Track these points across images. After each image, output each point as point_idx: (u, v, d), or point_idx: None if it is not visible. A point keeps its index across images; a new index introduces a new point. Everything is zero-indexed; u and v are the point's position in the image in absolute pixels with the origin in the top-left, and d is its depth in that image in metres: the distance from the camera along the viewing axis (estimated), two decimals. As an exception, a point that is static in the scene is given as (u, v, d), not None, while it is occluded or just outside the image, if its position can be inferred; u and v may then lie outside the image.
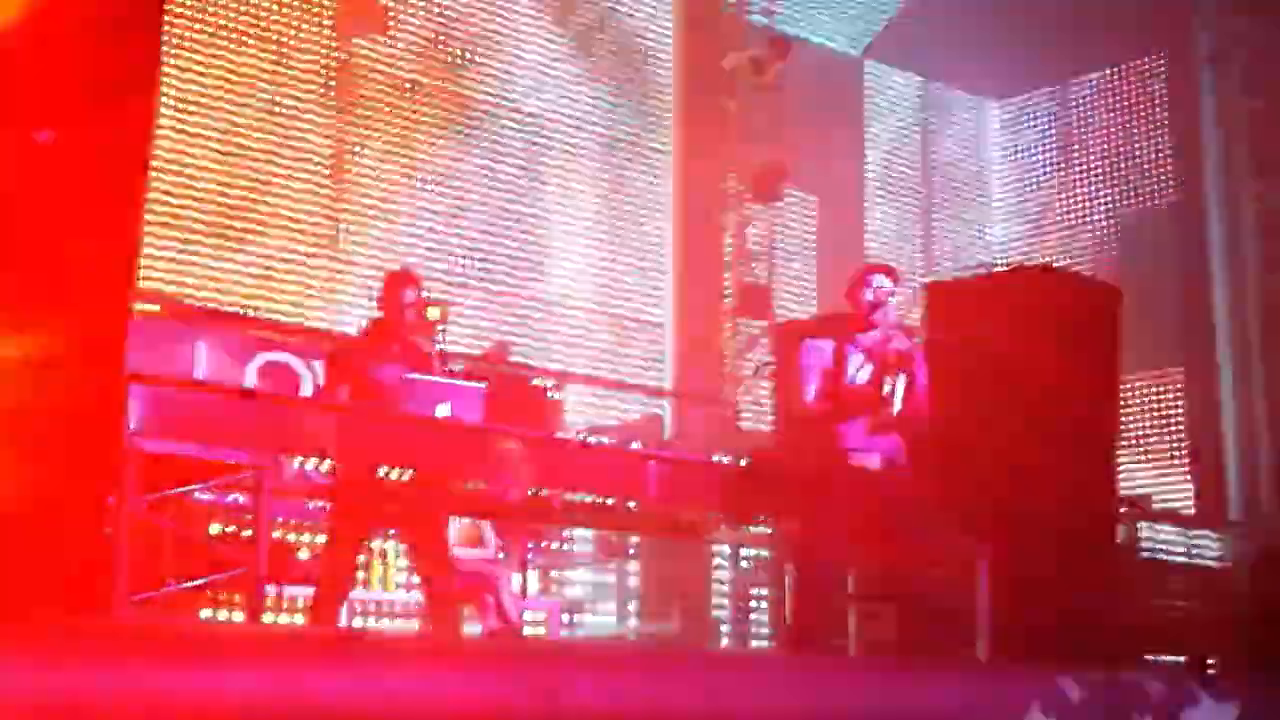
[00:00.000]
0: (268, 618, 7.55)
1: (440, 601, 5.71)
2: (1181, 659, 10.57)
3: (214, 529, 6.85)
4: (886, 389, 5.51)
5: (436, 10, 13.32)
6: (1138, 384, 15.95)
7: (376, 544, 7.49)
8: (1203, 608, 10.92)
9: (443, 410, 5.45)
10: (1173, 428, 15.98)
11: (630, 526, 7.54)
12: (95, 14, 4.46)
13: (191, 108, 11.50)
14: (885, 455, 5.57)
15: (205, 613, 7.12)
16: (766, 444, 8.90)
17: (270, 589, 7.17)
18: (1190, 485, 15.67)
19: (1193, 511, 15.17)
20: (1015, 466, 6.52)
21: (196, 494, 5.22)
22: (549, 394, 11.48)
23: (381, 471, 5.55)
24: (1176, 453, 15.91)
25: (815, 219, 15.74)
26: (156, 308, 9.71)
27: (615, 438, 10.76)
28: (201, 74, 11.66)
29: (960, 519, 6.25)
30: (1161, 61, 16.68)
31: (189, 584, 5.33)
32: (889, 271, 5.86)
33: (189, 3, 11.62)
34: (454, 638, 5.64)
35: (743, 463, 8.26)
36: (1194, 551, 13.05)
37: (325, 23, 12.53)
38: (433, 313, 5.88)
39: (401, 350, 5.75)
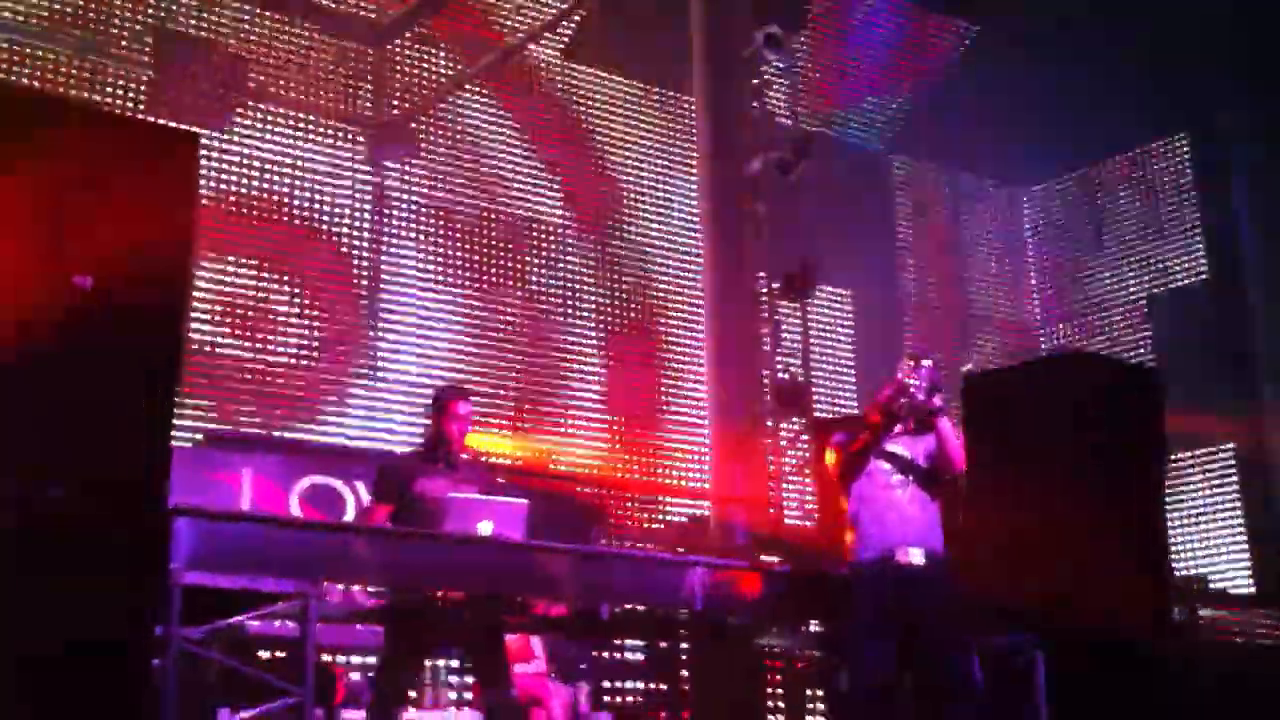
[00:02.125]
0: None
1: (504, 715, 5.68)
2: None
3: (263, 656, 6.87)
4: (908, 380, 5.51)
5: (463, 131, 13.59)
6: (1190, 463, 15.79)
7: (428, 663, 7.46)
8: (1266, 688, 10.65)
9: (485, 528, 5.46)
10: (1227, 505, 15.76)
11: (678, 635, 7.48)
12: (138, 164, 4.61)
13: (226, 237, 11.74)
14: (927, 546, 5.51)
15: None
16: (812, 543, 8.85)
17: (321, 714, 7.17)
18: (1248, 563, 15.41)
19: (1252, 589, 14.89)
20: (1065, 557, 6.44)
21: (244, 623, 5.24)
22: (590, 501, 11.48)
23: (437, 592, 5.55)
24: (1232, 530, 15.68)
25: (851, 313, 15.79)
26: (199, 438, 9.83)
27: (660, 543, 10.72)
28: (238, 205, 11.93)
29: (1012, 615, 6.18)
30: (1185, 140, 16.75)
31: (240, 715, 5.32)
32: (911, 357, 5.88)
33: (225, 138, 11.93)
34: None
35: (788, 564, 8.21)
36: (1256, 631, 12.78)
37: (359, 146, 12.82)
38: (473, 439, 5.93)
39: (447, 466, 5.79)
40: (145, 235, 4.55)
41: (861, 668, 5.38)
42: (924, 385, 5.53)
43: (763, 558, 9.82)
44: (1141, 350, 16.51)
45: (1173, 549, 14.63)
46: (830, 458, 5.83)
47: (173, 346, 4.69)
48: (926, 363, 5.60)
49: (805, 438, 11.78)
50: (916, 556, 5.47)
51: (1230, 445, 15.67)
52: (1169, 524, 11.94)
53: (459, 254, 13.18)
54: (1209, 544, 15.72)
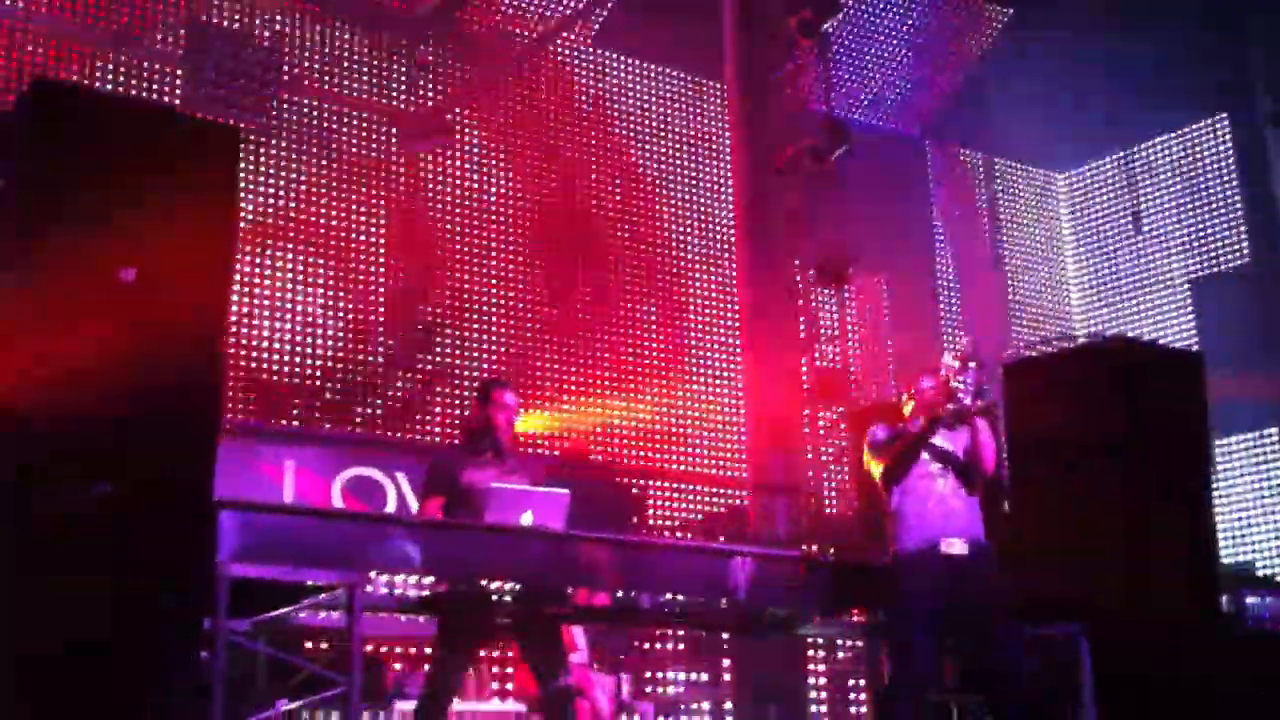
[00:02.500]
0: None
1: (559, 702, 5.68)
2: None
3: (308, 647, 6.91)
4: (955, 381, 5.43)
5: (495, 119, 13.60)
6: (1235, 447, 15.64)
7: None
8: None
9: (526, 518, 5.47)
10: (1273, 491, 15.61)
11: (719, 625, 7.46)
12: (181, 159, 4.64)
13: (266, 229, 11.80)
14: (970, 535, 5.47)
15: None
16: (852, 531, 8.82)
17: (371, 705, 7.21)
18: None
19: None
20: (1109, 545, 6.38)
21: (291, 615, 5.26)
22: (632, 490, 11.49)
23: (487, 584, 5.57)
24: (1278, 516, 15.53)
25: (887, 300, 15.72)
26: (244, 430, 9.90)
27: (700, 532, 10.72)
28: (275, 196, 11.98)
29: (1056, 603, 6.13)
30: (1225, 122, 16.57)
31: (287, 706, 5.35)
32: (958, 357, 5.80)
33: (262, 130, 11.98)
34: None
35: (830, 552, 8.20)
36: (1303, 617, 12.63)
37: (393, 140, 12.86)
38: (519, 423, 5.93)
39: (494, 456, 5.80)
40: (188, 230, 4.58)
41: (908, 657, 5.35)
42: (971, 389, 5.44)
43: (803, 547, 9.82)
44: (1184, 334, 16.37)
45: (1218, 535, 14.52)
46: (873, 465, 5.73)
47: (216, 340, 4.71)
48: (973, 364, 5.49)
49: (844, 426, 11.75)
50: (960, 547, 5.43)
51: (1274, 431, 15.51)
52: (1214, 510, 11.85)
53: (493, 244, 13.20)
54: (1255, 530, 15.57)
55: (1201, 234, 16.72)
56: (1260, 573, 14.55)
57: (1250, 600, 12.09)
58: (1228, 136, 16.59)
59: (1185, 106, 16.24)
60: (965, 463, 5.57)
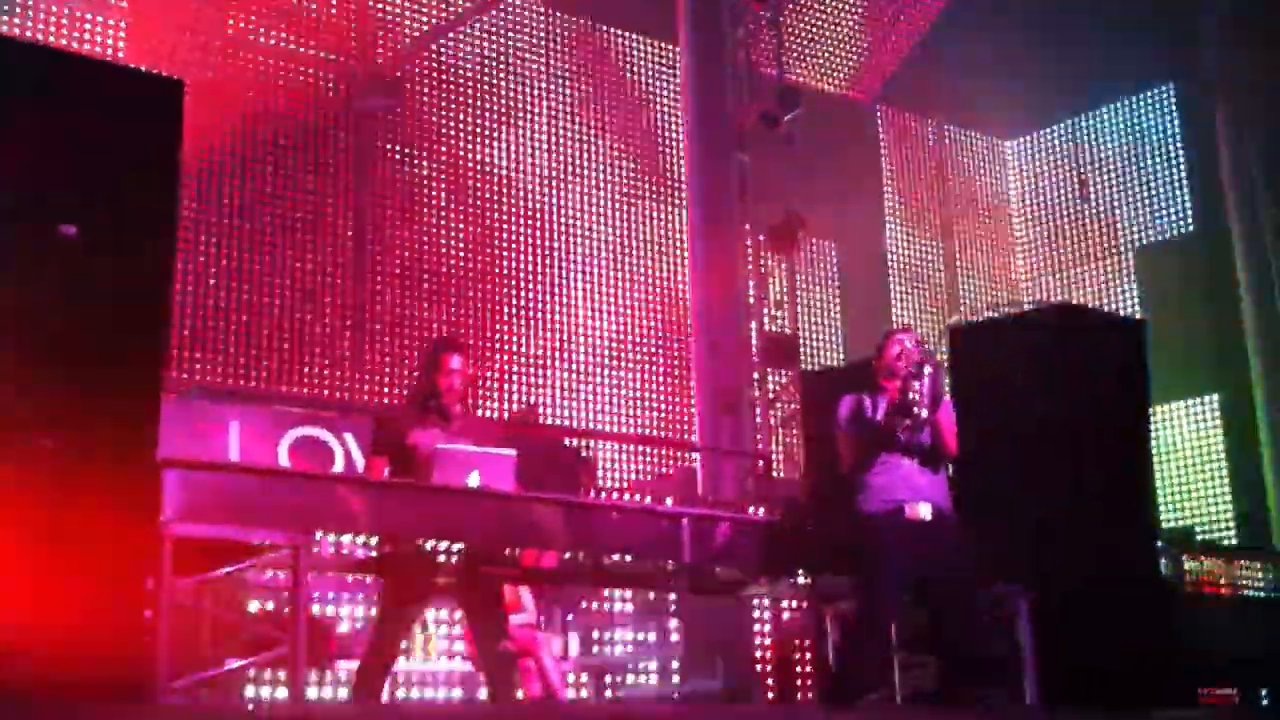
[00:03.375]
0: (311, 694, 7.56)
1: (498, 665, 5.69)
2: (1233, 693, 10.41)
3: (253, 608, 6.88)
4: (912, 395, 5.40)
5: (448, 77, 13.50)
6: (1175, 413, 15.86)
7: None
8: (1250, 639, 10.75)
9: (473, 479, 5.46)
10: (1213, 456, 15.85)
11: (667, 586, 7.51)
12: (123, 111, 4.56)
13: (213, 187, 11.66)
14: (935, 503, 5.51)
15: (249, 692, 7.14)
16: (801, 494, 8.87)
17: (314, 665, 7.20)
18: (1233, 515, 15.53)
19: (1235, 541, 15.01)
20: (1050, 507, 6.47)
21: (235, 574, 5.23)
22: (581, 454, 11.49)
23: (429, 543, 5.56)
24: (1218, 482, 15.78)
25: (836, 265, 15.79)
26: (189, 390, 9.79)
27: (649, 494, 10.75)
28: (222, 153, 11.83)
29: (998, 564, 6.21)
30: (1170, 91, 16.72)
31: (231, 665, 5.34)
32: (912, 334, 5.81)
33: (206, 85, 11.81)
34: (509, 704, 5.62)
35: (777, 515, 8.24)
36: (1238, 581, 12.88)
37: (343, 97, 12.71)
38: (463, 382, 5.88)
39: (440, 418, 5.77)
40: (131, 184, 4.52)
41: (874, 612, 5.38)
42: (926, 400, 5.42)
43: (751, 509, 9.87)
44: (1128, 302, 16.56)
45: (1158, 500, 14.77)
46: (840, 443, 5.68)
47: (160, 297, 4.65)
48: (929, 370, 5.46)
49: (794, 390, 11.80)
50: (925, 511, 5.47)
51: (1215, 397, 15.75)
52: (1155, 475, 12.02)
53: (444, 203, 13.12)
54: (1195, 495, 15.83)
55: (1147, 202, 16.89)
56: (1199, 537, 14.81)
57: (1188, 564, 12.33)
58: (1174, 106, 16.74)
59: (1133, 76, 16.36)
60: (930, 447, 5.58)
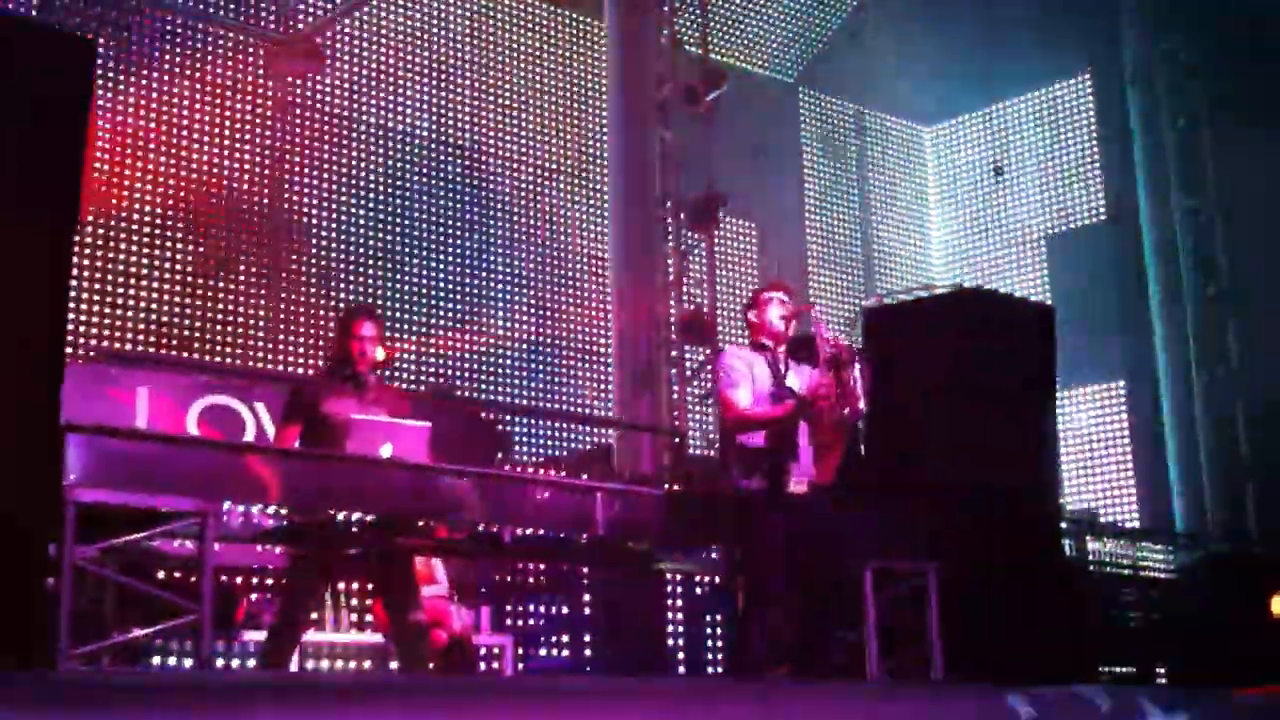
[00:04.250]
0: (217, 664, 7.48)
1: (410, 637, 5.67)
2: (1131, 670, 10.68)
3: (160, 576, 6.79)
4: (852, 382, 5.45)
5: (369, 46, 13.35)
6: (1082, 398, 16.17)
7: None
8: (1150, 619, 11.04)
9: (386, 450, 5.43)
10: (1118, 441, 16.19)
11: (579, 559, 7.53)
12: (22, 65, 4.45)
13: (128, 147, 11.45)
14: (810, 477, 5.56)
15: (155, 661, 7.05)
16: (713, 470, 8.93)
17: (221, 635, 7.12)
18: (1136, 498, 15.89)
19: (1138, 524, 15.36)
20: (956, 487, 6.58)
21: (141, 542, 5.16)
22: (497, 427, 11.47)
23: (340, 514, 5.52)
24: (1122, 466, 16.13)
25: (755, 245, 15.88)
26: (95, 355, 9.63)
27: (565, 469, 10.76)
28: (140, 116, 11.61)
29: (905, 540, 6.31)
30: (1088, 81, 16.99)
31: (135, 634, 5.26)
32: (787, 289, 5.88)
33: (124, 51, 11.58)
34: (421, 675, 5.61)
35: (690, 490, 8.30)
36: (1141, 563, 13.20)
37: (260, 63, 12.52)
38: (378, 353, 5.83)
39: (354, 387, 5.72)
40: (35, 142, 4.41)
41: (763, 587, 5.45)
42: (862, 391, 5.47)
43: (666, 485, 9.92)
44: (1039, 287, 16.84)
45: (1063, 482, 15.09)
46: (728, 400, 5.61)
47: (64, 258, 4.56)
48: (858, 363, 5.53)
49: (710, 367, 11.87)
50: (801, 486, 5.54)
51: (1122, 382, 16.08)
52: (1060, 457, 12.24)
53: (365, 173, 12.99)
54: (1099, 478, 16.17)
55: (1060, 190, 17.17)
56: (1102, 519, 15.13)
57: (1092, 545, 12.61)
58: (1090, 95, 17.02)
59: (1051, 64, 16.59)
60: (815, 413, 5.63)
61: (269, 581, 7.65)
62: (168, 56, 11.91)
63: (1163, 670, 10.68)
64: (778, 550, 5.41)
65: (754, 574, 5.54)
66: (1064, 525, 10.11)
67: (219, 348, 11.54)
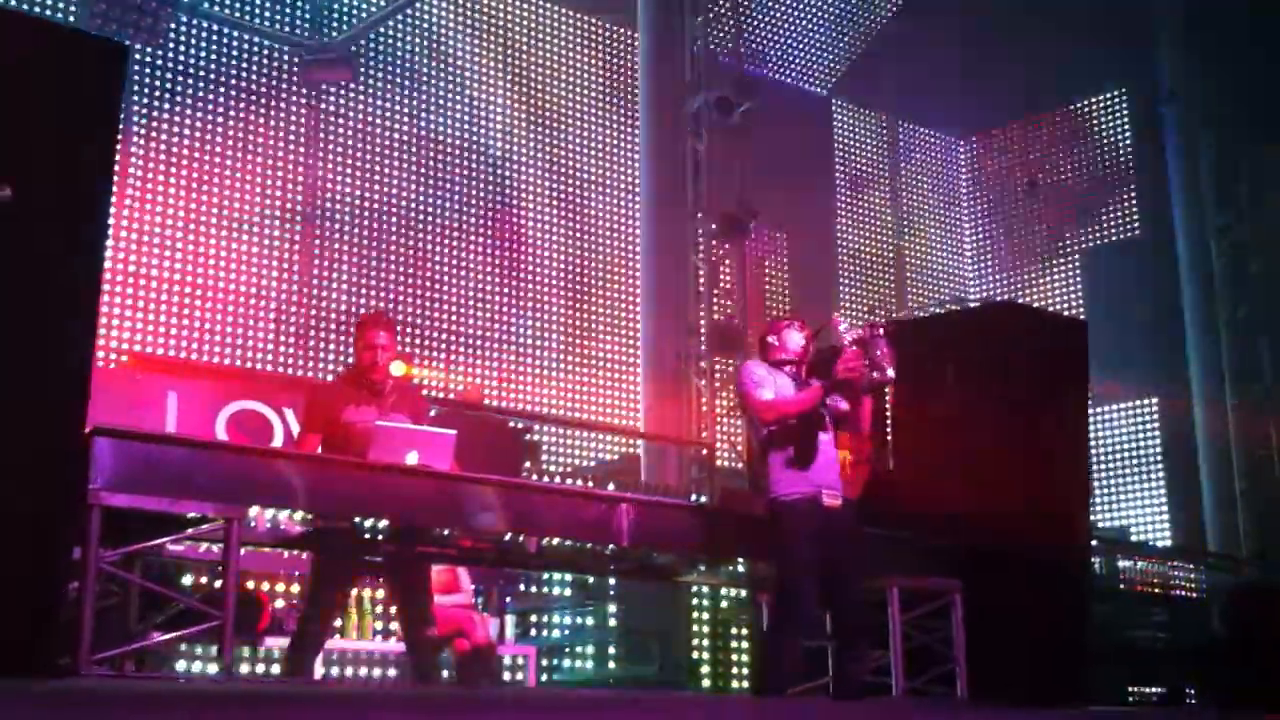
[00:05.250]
0: (241, 670, 7.49)
1: (423, 650, 5.66)
2: (1161, 690, 10.56)
3: (186, 581, 6.80)
4: (878, 352, 5.44)
5: (402, 55, 13.39)
6: (1115, 415, 16.04)
7: (353, 592, 7.43)
8: (1181, 640, 10.91)
9: (411, 457, 5.41)
10: (1150, 459, 16.06)
11: (605, 570, 7.50)
12: (56, 70, 4.46)
13: (160, 156, 11.52)
14: (842, 492, 5.53)
15: (179, 666, 7.05)
16: (741, 483, 8.89)
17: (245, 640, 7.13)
18: (1168, 516, 15.74)
19: (1170, 543, 15.20)
20: (986, 504, 6.51)
21: (166, 547, 5.16)
22: (525, 436, 11.46)
23: (364, 521, 5.51)
24: (1154, 484, 15.99)
25: (786, 256, 15.82)
26: (126, 360, 9.67)
27: (591, 479, 10.73)
28: (169, 123, 11.68)
29: (934, 557, 6.25)
30: (1124, 97, 16.88)
31: (159, 638, 5.26)
32: (803, 326, 5.84)
33: (157, 54, 11.66)
34: (435, 686, 5.59)
35: (717, 503, 8.24)
36: (1171, 583, 13.08)
37: (294, 70, 12.58)
38: (398, 367, 5.83)
39: (371, 395, 5.71)
40: (69, 147, 4.43)
41: (795, 599, 5.38)
42: (888, 360, 5.47)
43: (692, 496, 9.88)
44: (1073, 303, 16.72)
45: (1095, 500, 14.95)
46: (756, 404, 5.58)
47: (94, 263, 4.57)
48: (882, 335, 5.53)
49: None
50: (835, 499, 5.50)
51: (1155, 400, 15.94)
52: (1093, 476, 12.12)
53: (398, 181, 13.03)
54: (1131, 496, 16.02)
55: (1094, 206, 17.06)
56: (1134, 538, 15.00)
57: (1123, 564, 12.50)
58: (1125, 112, 16.91)
59: (1088, 81, 16.50)
60: (845, 421, 5.62)
61: (294, 588, 7.65)
62: (203, 63, 11.98)
63: (1192, 692, 10.55)
64: (813, 564, 5.35)
65: (784, 590, 5.47)
66: (1094, 543, 10.01)
67: (249, 354, 11.59)
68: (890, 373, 5.51)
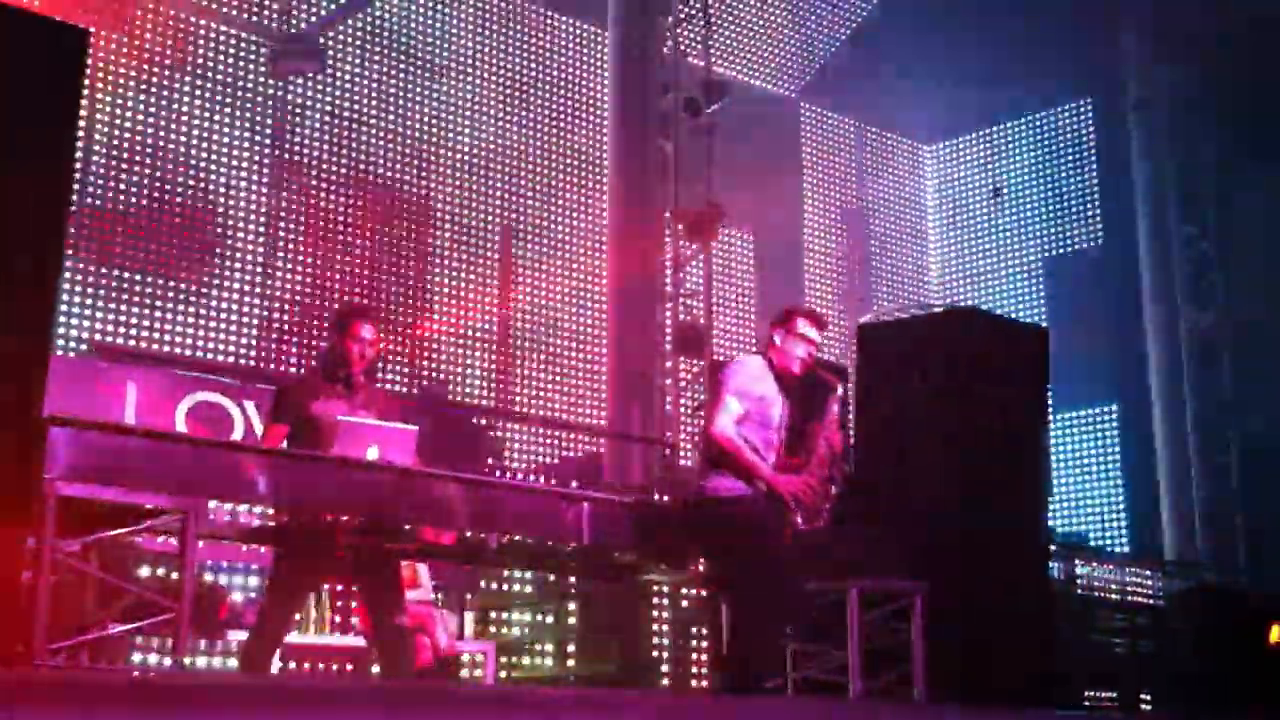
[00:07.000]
0: (199, 663, 7.44)
1: (392, 644, 5.61)
2: (1116, 695, 10.64)
3: (143, 573, 6.74)
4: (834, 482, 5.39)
5: (370, 49, 13.33)
6: (1075, 421, 16.16)
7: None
8: (1137, 646, 11.01)
9: (372, 453, 5.37)
10: (1109, 465, 16.19)
11: (565, 568, 7.49)
12: (22, 57, 4.41)
13: (123, 143, 11.42)
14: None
15: (134, 658, 6.99)
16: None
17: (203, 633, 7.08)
18: (1127, 523, 15.87)
19: (1128, 549, 15.33)
20: (946, 506, 6.55)
21: (123, 538, 5.11)
22: (489, 433, 11.44)
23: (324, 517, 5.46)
24: (1113, 490, 16.12)
25: (753, 258, 15.86)
26: (85, 349, 9.58)
27: (554, 477, 10.72)
28: (133, 114, 11.58)
29: (893, 559, 6.27)
30: (1089, 106, 17.02)
31: (114, 630, 5.22)
32: (817, 320, 5.70)
33: (124, 44, 11.55)
34: (402, 681, 5.55)
35: (679, 502, 8.23)
36: (1129, 588, 13.17)
37: (260, 61, 12.50)
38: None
39: (345, 389, 5.66)
40: (28, 134, 4.37)
41: (778, 589, 5.31)
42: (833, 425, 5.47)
43: (656, 496, 9.87)
44: (1035, 310, 16.84)
45: (1053, 505, 15.06)
46: (718, 433, 5.46)
47: (53, 251, 4.52)
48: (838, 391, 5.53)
49: (704, 379, 11.83)
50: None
51: (1114, 406, 16.07)
52: (1051, 480, 12.20)
53: (358, 173, 12.96)
54: (1090, 502, 16.15)
55: (1058, 214, 17.18)
56: (1093, 543, 15.12)
57: (1080, 569, 12.58)
58: (1090, 121, 17.04)
59: (1053, 89, 16.61)
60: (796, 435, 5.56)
61: (252, 580, 7.60)
62: (168, 51, 11.89)
63: (1147, 698, 10.64)
64: (776, 563, 5.31)
65: (747, 587, 5.43)
66: (1052, 548, 10.07)
67: (209, 344, 11.51)
68: (839, 443, 5.48)
